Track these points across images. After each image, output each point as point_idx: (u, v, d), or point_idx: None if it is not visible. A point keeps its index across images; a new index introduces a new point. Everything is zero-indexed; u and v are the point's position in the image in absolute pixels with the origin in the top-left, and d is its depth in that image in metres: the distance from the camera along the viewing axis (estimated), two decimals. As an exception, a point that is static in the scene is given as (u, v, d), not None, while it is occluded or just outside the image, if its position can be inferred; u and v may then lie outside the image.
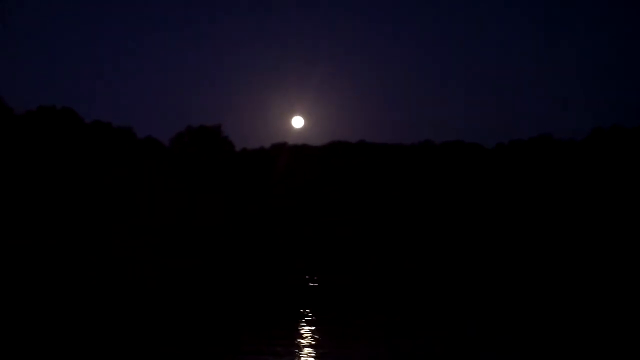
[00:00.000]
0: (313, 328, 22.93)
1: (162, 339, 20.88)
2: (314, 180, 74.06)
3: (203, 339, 20.99)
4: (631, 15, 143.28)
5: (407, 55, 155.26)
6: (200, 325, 23.20)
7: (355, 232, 62.16)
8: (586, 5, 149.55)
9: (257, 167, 74.44)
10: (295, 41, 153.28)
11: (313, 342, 20.59)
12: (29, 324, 22.27)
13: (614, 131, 74.50)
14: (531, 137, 77.29)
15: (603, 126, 75.24)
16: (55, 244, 42.61)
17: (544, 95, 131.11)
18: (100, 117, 75.21)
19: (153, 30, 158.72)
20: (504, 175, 76.43)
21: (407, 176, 75.18)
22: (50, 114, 70.39)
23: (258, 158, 75.60)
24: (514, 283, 33.35)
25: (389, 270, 38.52)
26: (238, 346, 20.21)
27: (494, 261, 42.42)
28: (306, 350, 19.59)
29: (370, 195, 72.85)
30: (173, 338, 20.99)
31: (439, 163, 76.25)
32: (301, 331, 22.39)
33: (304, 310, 26.82)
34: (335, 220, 67.05)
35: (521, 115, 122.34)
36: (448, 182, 74.27)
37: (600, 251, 47.16)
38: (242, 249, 49.74)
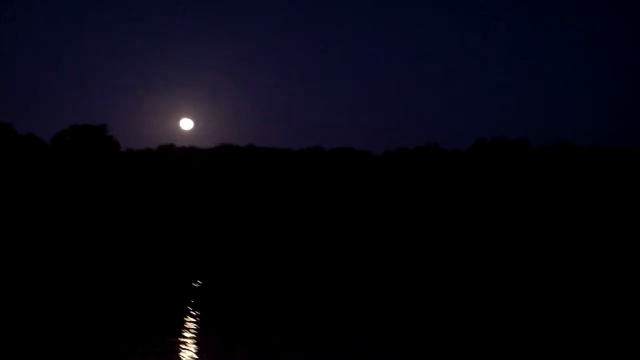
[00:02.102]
0: (197, 327, 24.69)
1: (40, 340, 21.78)
2: (201, 182, 76.40)
3: (83, 340, 22.01)
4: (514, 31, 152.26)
5: (297, 59, 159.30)
6: (81, 325, 24.32)
7: (241, 234, 65.25)
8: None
9: (143, 168, 76.10)
10: (184, 44, 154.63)
11: (196, 342, 21.96)
12: None
13: (496, 143, 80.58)
14: (417, 146, 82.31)
15: (486, 138, 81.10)
16: None
17: (433, 105, 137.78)
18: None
19: (41, 28, 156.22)
20: (392, 181, 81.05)
21: (295, 181, 78.66)
22: None
23: (144, 159, 77.41)
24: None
25: (271, 270, 41.78)
26: (120, 347, 21.04)
27: (369, 267, 46.38)
28: (189, 350, 20.75)
29: (257, 198, 75.91)
30: (51, 340, 21.87)
31: (327, 169, 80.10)
32: (185, 331, 23.83)
33: (189, 309, 28.83)
34: (221, 222, 69.95)
35: (409, 124, 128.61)
36: (336, 188, 78.25)
37: (482, 257, 52.24)
38: (124, 249, 51.77)
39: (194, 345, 21.76)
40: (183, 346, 21.52)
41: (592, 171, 76.67)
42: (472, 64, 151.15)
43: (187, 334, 23.60)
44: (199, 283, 36.89)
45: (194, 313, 28.33)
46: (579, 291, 36.55)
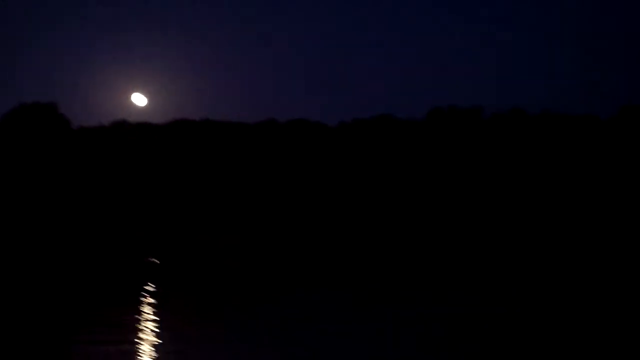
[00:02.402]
0: (152, 308, 24.64)
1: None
2: (156, 158, 76.08)
3: (31, 327, 21.62)
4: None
5: (248, 32, 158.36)
6: (29, 311, 24.05)
7: (198, 210, 65.36)
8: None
9: (97, 145, 75.50)
10: (136, 18, 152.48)
11: (152, 325, 21.60)
12: None
13: (451, 112, 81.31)
14: (372, 115, 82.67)
15: (441, 106, 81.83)
16: None
17: (387, 76, 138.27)
18: None
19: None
20: (347, 153, 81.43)
21: (252, 154, 78.68)
22: None
23: (97, 136, 76.78)
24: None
25: (228, 245, 42.11)
26: (71, 335, 20.68)
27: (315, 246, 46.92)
28: (145, 334, 20.42)
29: (214, 173, 75.88)
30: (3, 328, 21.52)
31: (282, 141, 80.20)
32: (139, 313, 23.61)
33: (143, 288, 29.03)
34: (178, 198, 69.96)
35: (365, 94, 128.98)
36: (291, 160, 78.44)
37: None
38: (77, 227, 51.55)
39: (152, 325, 21.85)
40: (140, 328, 21.46)
41: (546, 137, 77.82)
42: (426, 33, 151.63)
43: (143, 315, 23.63)
44: (155, 261, 37.04)
45: (150, 291, 28.51)
46: (528, 261, 37.48)
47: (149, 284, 29.91)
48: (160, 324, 21.87)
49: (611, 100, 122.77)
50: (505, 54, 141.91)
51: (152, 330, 20.88)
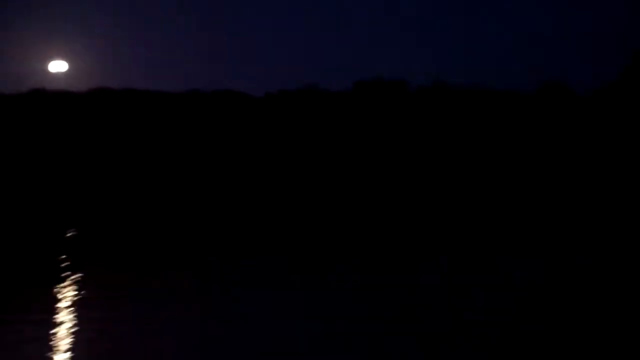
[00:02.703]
0: (72, 285, 24.24)
1: None
2: (75, 127, 74.61)
3: None
4: None
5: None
6: None
7: (118, 183, 64.51)
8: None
9: (13, 113, 73.67)
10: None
11: (72, 302, 21.32)
12: None
13: (376, 84, 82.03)
14: (299, 88, 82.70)
15: (365, 79, 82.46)
16: None
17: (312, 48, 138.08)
18: None
19: None
20: (276, 123, 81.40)
21: (176, 125, 77.85)
22: None
23: (13, 104, 74.77)
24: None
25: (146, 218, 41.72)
26: None
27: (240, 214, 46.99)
28: (65, 312, 20.10)
29: (135, 144, 74.86)
30: None
31: (208, 112, 79.61)
32: (59, 290, 23.24)
33: (63, 263, 28.63)
34: (98, 169, 68.84)
35: (289, 65, 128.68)
36: (217, 131, 77.97)
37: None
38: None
39: (71, 303, 21.50)
40: (59, 307, 21.09)
41: (469, 112, 79.24)
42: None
43: (62, 293, 23.24)
44: (73, 232, 36.48)
45: (68, 266, 28.20)
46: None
47: (67, 259, 29.46)
48: (80, 302, 21.55)
49: (534, 76, 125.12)
50: (431, 29, 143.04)
51: (71, 309, 20.57)
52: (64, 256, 30.05)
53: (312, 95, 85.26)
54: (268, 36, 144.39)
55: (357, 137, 79.11)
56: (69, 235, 36.16)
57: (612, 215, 46.30)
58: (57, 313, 19.93)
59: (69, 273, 26.55)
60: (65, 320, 19.00)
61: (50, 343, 16.75)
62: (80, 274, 26.32)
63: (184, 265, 28.71)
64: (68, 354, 15.81)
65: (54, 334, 17.62)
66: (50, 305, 20.89)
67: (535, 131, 75.20)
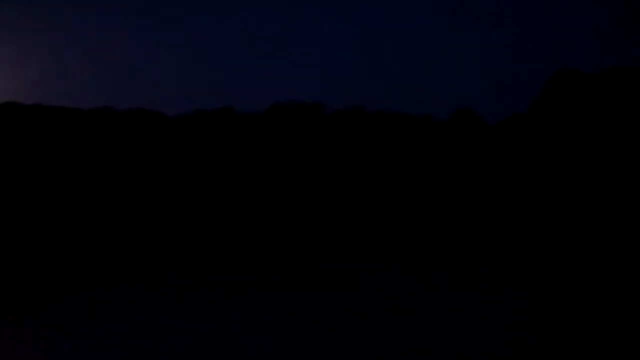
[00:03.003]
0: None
1: None
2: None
3: None
4: None
5: (88, 15, 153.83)
6: None
7: (31, 199, 63.19)
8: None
9: None
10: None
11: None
12: None
13: (292, 106, 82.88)
14: (214, 108, 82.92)
15: (281, 101, 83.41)
16: None
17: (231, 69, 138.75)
18: None
19: None
20: (189, 145, 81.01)
21: (85, 142, 76.77)
22: None
23: None
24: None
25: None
26: None
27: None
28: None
29: (44, 159, 73.54)
30: None
31: (119, 130, 78.82)
32: None
33: None
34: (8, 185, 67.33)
35: (204, 86, 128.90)
36: (127, 151, 77.11)
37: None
38: None
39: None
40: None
41: (383, 136, 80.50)
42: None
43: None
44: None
45: None
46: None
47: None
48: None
49: (447, 102, 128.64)
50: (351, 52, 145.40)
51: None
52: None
53: (226, 115, 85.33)
54: (188, 55, 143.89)
55: (270, 157, 79.40)
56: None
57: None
58: None
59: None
60: None
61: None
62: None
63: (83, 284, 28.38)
64: None
65: None
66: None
67: (445, 156, 76.93)
